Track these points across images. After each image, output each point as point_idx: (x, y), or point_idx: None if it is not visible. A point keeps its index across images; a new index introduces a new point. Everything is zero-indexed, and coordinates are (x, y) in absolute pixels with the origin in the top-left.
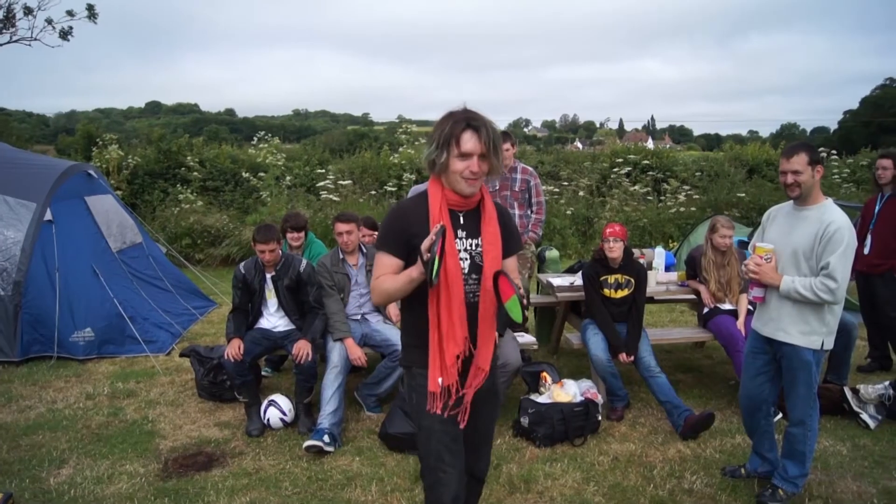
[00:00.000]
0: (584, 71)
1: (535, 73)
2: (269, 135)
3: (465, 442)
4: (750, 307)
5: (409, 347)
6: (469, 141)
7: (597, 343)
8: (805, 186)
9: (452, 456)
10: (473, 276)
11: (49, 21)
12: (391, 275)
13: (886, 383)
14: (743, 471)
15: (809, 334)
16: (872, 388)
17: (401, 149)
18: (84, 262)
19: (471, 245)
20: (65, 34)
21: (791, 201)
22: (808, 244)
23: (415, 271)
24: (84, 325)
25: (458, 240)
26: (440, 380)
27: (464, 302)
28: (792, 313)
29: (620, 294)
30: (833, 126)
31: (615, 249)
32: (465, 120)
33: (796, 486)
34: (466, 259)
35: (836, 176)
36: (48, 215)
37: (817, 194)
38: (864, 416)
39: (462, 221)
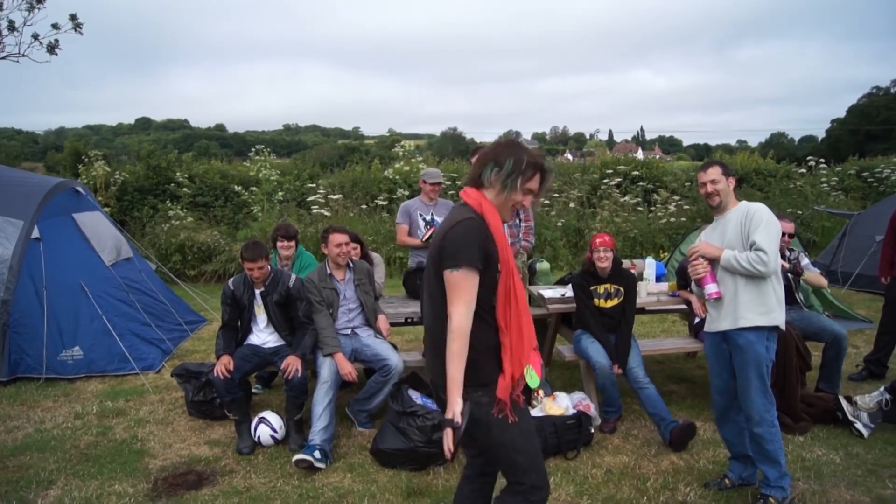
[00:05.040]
0: (574, 83)
1: (525, 85)
2: (267, 148)
3: None
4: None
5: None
6: (536, 181)
7: (597, 350)
8: (723, 194)
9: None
10: None
11: (35, 36)
12: (462, 350)
13: (882, 388)
14: (727, 481)
15: (767, 313)
16: (869, 397)
17: (396, 164)
18: (72, 279)
19: None
20: (52, 48)
21: (714, 220)
22: (737, 238)
23: (454, 407)
24: (72, 343)
25: None
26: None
27: (531, 319)
28: (747, 300)
29: (611, 304)
30: (821, 135)
31: (604, 259)
32: (540, 163)
33: (784, 490)
34: None
35: (825, 184)
36: (36, 233)
37: (733, 201)
38: (858, 425)
39: None
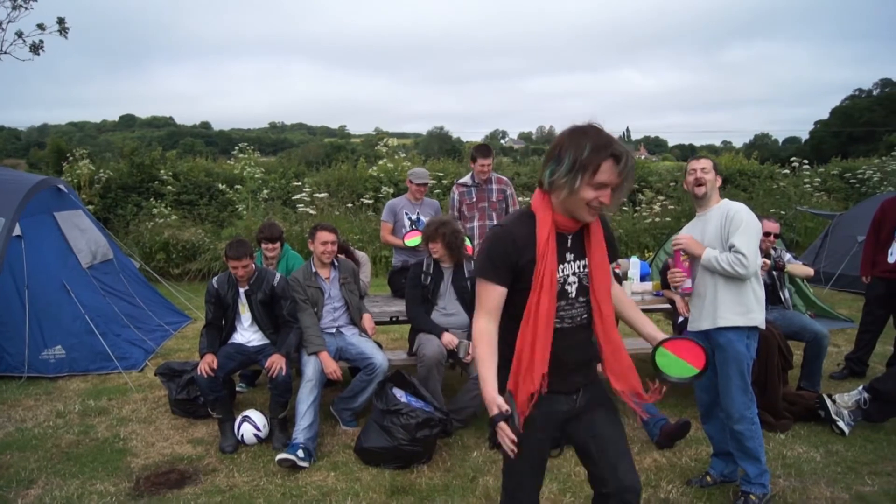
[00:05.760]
0: (561, 82)
1: (513, 84)
2: (250, 146)
3: (596, 455)
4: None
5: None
6: (608, 171)
7: None
8: (709, 186)
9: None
10: (581, 298)
11: (19, 34)
12: (489, 348)
13: (860, 388)
14: (709, 478)
15: (746, 313)
16: (848, 396)
17: (380, 162)
18: (54, 278)
19: (579, 267)
20: (35, 48)
21: (695, 216)
22: (716, 238)
23: (494, 401)
24: (54, 342)
25: (566, 263)
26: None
27: (549, 343)
28: (726, 300)
29: None
30: (805, 136)
31: None
32: (608, 148)
33: (764, 487)
34: (575, 283)
35: (808, 185)
36: (17, 230)
37: (717, 198)
38: (841, 423)
39: (570, 244)
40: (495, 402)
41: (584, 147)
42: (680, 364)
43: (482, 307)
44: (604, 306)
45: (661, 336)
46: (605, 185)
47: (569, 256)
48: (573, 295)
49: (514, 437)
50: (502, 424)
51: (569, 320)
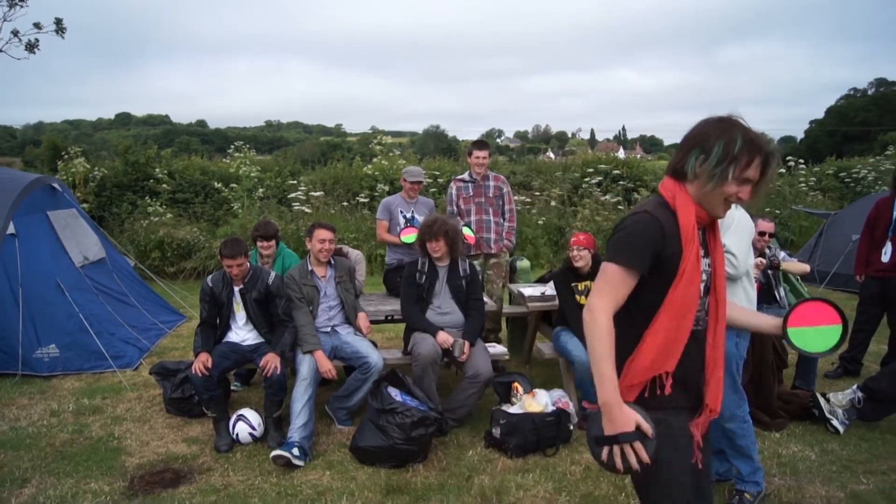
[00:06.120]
0: (557, 82)
1: (510, 83)
2: (246, 145)
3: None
4: None
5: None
6: (754, 168)
7: (576, 345)
8: None
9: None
10: (706, 298)
11: (15, 33)
12: (612, 345)
13: (854, 387)
14: None
15: None
16: (842, 395)
17: (374, 160)
18: (48, 276)
19: (706, 265)
20: (31, 47)
21: None
22: None
23: (627, 415)
24: (48, 341)
25: (703, 258)
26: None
27: (684, 342)
28: None
29: None
30: (800, 135)
31: (580, 259)
32: (758, 143)
33: (758, 485)
34: (705, 280)
35: (803, 184)
36: (11, 229)
37: None
38: (835, 422)
39: (702, 238)
40: (631, 416)
41: (736, 140)
42: (818, 332)
43: (609, 296)
44: (721, 308)
45: (779, 320)
46: (749, 180)
47: (701, 252)
48: (702, 294)
49: (648, 458)
50: (638, 446)
51: (701, 322)
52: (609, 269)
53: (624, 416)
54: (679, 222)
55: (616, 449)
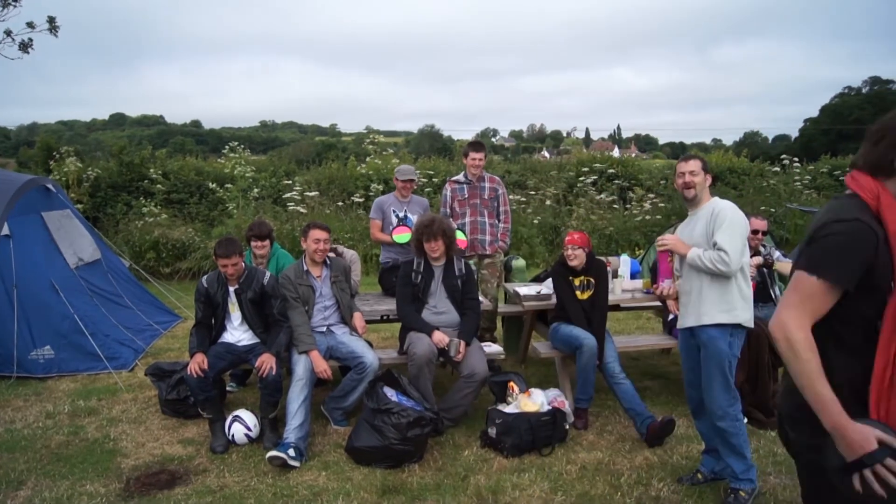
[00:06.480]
0: (552, 81)
1: (504, 83)
2: (241, 145)
3: None
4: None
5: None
6: None
7: (581, 330)
8: (699, 187)
9: None
10: None
11: (8, 32)
12: (816, 354)
13: None
14: (700, 475)
15: (730, 311)
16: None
17: (368, 159)
18: (43, 277)
19: None
20: (25, 46)
21: (688, 216)
22: (703, 236)
23: (863, 432)
24: (43, 342)
25: None
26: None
27: None
28: (711, 297)
29: (586, 295)
30: (795, 134)
31: (575, 258)
32: None
33: (752, 482)
34: None
35: (798, 182)
36: (5, 230)
37: (707, 197)
38: None
39: None
40: (868, 433)
41: None
42: None
43: (807, 310)
44: None
45: None
46: None
47: None
48: None
49: None
50: (889, 461)
51: None
52: (807, 283)
53: (861, 436)
54: (889, 229)
55: (868, 473)
